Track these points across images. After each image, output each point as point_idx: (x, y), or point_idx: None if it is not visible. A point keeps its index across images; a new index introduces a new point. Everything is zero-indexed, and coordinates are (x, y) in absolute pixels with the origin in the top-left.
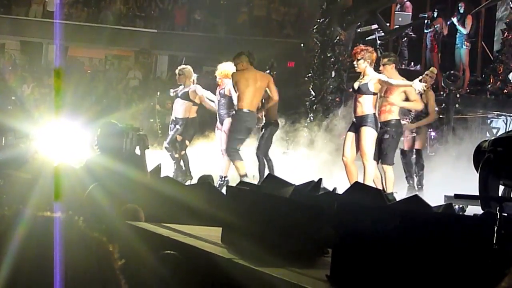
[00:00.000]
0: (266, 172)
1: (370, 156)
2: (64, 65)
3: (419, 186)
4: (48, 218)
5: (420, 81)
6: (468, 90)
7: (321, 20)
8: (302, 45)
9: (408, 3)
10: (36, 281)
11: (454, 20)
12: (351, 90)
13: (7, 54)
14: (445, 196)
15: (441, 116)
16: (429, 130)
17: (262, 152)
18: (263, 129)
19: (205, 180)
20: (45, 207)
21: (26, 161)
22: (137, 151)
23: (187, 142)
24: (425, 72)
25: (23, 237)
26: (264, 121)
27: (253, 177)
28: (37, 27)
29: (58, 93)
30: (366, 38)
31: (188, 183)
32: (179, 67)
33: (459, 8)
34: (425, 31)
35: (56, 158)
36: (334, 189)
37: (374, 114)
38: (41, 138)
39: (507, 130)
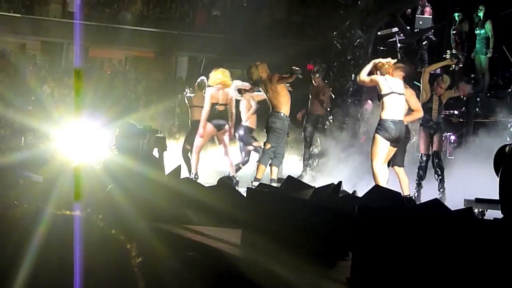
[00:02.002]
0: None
1: (374, 160)
2: (84, 65)
3: (441, 190)
4: (67, 216)
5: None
6: (488, 94)
7: (341, 22)
8: (335, 42)
9: (428, 8)
10: (56, 278)
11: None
12: None
13: (28, 54)
14: (465, 200)
15: (461, 120)
16: (449, 133)
17: None
18: None
19: (225, 182)
20: (65, 206)
21: (46, 161)
22: (155, 153)
23: None
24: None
25: (43, 235)
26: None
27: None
28: (58, 28)
29: (78, 94)
30: (387, 41)
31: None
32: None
33: (479, 11)
34: (451, 33)
35: (75, 158)
36: (354, 192)
37: (382, 119)
38: (60, 138)
39: None
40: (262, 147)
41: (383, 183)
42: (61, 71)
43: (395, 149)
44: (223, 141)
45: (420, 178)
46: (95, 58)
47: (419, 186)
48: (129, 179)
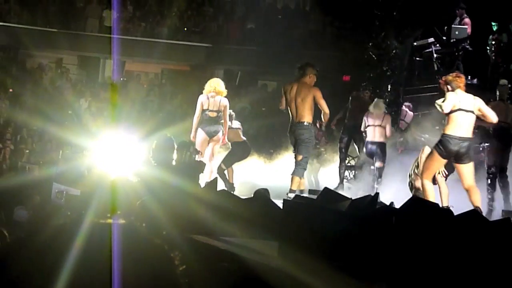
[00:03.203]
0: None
1: (424, 173)
2: (121, 79)
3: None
4: (108, 224)
5: None
6: None
7: (377, 34)
8: (371, 53)
9: (467, 19)
10: (96, 285)
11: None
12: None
13: (64, 69)
14: (502, 211)
15: None
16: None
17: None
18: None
19: (261, 194)
20: (104, 217)
21: (83, 175)
22: (190, 165)
23: None
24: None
25: (84, 242)
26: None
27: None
28: (95, 42)
29: (114, 107)
30: (423, 52)
31: None
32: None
33: None
34: (488, 44)
35: (112, 172)
36: (391, 203)
37: (443, 134)
38: (97, 152)
39: None
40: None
41: (430, 197)
42: (98, 85)
43: (462, 165)
44: (211, 148)
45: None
46: (132, 72)
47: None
48: (167, 192)
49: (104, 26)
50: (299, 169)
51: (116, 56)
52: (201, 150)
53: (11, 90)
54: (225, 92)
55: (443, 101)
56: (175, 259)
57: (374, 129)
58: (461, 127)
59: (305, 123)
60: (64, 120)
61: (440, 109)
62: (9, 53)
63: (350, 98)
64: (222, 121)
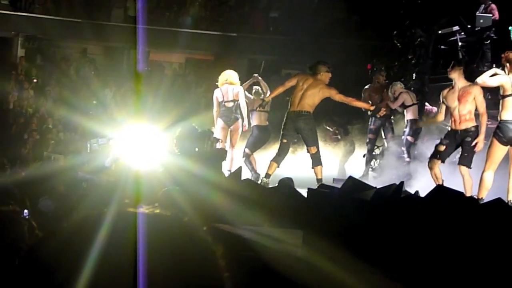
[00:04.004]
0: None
1: (486, 164)
2: (145, 69)
3: None
4: (140, 214)
5: None
6: None
7: (402, 22)
8: (396, 41)
9: (493, 5)
10: (122, 277)
11: None
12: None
13: (89, 59)
14: None
15: None
16: None
17: None
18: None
19: (286, 183)
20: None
21: (108, 166)
22: (212, 154)
23: None
24: None
25: (110, 232)
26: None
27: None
28: (119, 32)
29: (139, 98)
30: (448, 40)
31: None
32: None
33: None
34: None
35: (137, 163)
36: (416, 192)
37: (500, 121)
38: (123, 142)
39: None
40: None
41: (485, 190)
42: (123, 75)
43: None
44: (231, 136)
45: None
46: (156, 62)
47: None
48: (191, 181)
49: (128, 16)
50: (318, 159)
51: (141, 46)
52: (222, 138)
53: (35, 80)
54: (238, 83)
55: (491, 76)
56: (218, 252)
57: (416, 108)
58: None
59: (306, 112)
60: (89, 110)
61: (479, 79)
62: (33, 43)
63: (366, 95)
64: (240, 109)
